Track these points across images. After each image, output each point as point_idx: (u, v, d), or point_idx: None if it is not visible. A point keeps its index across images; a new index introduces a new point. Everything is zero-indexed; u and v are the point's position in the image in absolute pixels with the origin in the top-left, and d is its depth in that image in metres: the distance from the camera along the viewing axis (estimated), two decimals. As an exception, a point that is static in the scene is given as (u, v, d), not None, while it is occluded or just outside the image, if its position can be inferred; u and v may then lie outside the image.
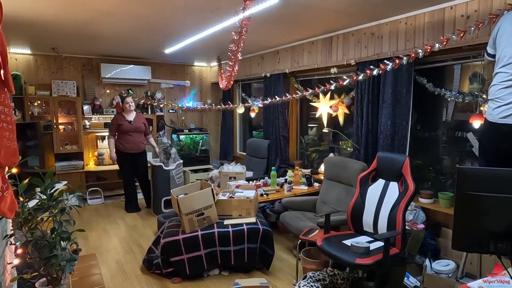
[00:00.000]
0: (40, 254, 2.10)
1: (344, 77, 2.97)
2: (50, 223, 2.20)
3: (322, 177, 3.98)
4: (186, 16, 3.33)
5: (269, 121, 5.20)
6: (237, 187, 3.69)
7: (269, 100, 3.89)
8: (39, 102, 5.34)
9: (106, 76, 5.70)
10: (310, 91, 3.28)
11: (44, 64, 5.50)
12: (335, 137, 4.63)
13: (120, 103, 5.85)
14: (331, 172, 3.72)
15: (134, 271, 3.27)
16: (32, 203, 2.17)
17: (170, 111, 6.63)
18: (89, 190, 5.57)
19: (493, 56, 2.21)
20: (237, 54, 2.94)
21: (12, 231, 2.19)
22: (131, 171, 5.03)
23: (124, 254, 3.66)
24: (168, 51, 5.16)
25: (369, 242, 2.51)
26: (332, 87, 3.01)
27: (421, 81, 3.28)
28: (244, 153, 6.05)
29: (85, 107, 5.69)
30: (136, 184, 5.21)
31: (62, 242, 2.20)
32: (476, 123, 2.74)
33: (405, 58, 2.58)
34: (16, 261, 2.20)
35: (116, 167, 5.54)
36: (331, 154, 4.34)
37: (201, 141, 6.72)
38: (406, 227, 2.56)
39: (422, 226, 2.98)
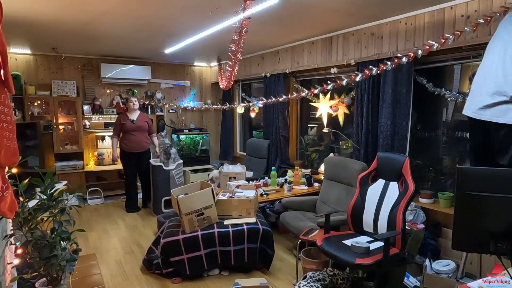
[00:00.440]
0: (40, 254, 2.11)
1: (343, 77, 2.97)
2: (50, 223, 2.20)
3: (322, 177, 3.98)
4: (186, 16, 3.33)
5: (269, 121, 5.20)
6: (237, 187, 3.69)
7: (266, 100, 3.89)
8: (39, 102, 5.34)
9: (106, 76, 5.70)
10: (306, 91, 3.28)
11: (44, 64, 5.50)
12: (335, 137, 4.63)
13: (120, 103, 5.88)
14: (331, 172, 3.72)
15: (134, 271, 3.27)
16: (32, 203, 2.18)
17: (170, 111, 6.63)
18: (89, 190, 5.57)
19: None
20: (237, 54, 2.94)
21: (12, 231, 2.19)
22: (134, 171, 5.05)
23: (124, 254, 3.66)
24: (168, 51, 5.16)
25: (369, 242, 2.51)
26: (329, 87, 3.01)
27: (421, 81, 3.28)
28: (244, 153, 6.04)
29: (85, 107, 5.69)
30: (137, 184, 5.22)
31: (62, 242, 2.20)
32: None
33: (404, 58, 2.58)
34: (16, 261, 2.20)
35: (116, 167, 5.56)
36: (331, 154, 4.34)
37: (201, 141, 6.71)
38: (406, 227, 2.56)
39: (422, 226, 2.98)
